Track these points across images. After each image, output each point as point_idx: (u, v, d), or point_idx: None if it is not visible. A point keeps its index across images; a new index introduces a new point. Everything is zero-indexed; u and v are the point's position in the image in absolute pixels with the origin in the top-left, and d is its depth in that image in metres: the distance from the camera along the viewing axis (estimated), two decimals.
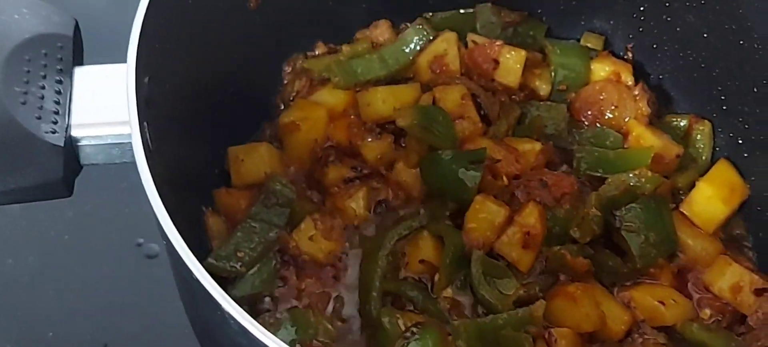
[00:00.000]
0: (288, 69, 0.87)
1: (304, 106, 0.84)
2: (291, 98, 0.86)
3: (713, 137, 0.84)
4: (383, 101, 0.82)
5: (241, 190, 0.78)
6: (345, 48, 0.87)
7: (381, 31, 0.89)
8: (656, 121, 0.85)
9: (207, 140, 0.78)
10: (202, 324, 0.67)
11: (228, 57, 0.79)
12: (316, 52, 0.89)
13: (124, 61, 0.60)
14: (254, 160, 0.80)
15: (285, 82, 0.87)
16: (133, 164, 0.58)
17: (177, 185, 0.62)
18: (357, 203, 0.79)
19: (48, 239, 0.90)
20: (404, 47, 0.86)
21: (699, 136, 0.84)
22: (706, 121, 0.84)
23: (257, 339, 0.51)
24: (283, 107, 0.86)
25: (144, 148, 0.58)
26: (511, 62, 0.85)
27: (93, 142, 0.60)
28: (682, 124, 0.85)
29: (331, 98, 0.84)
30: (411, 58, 0.86)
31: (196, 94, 0.74)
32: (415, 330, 0.69)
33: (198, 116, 0.75)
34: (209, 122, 0.77)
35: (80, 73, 0.62)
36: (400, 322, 0.71)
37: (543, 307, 0.72)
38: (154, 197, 0.55)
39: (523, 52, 0.85)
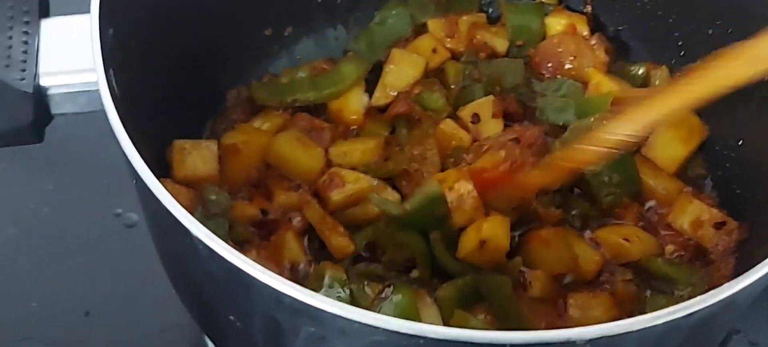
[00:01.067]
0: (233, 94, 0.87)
1: (248, 130, 0.83)
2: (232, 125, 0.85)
3: None
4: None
5: (180, 185, 0.76)
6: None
7: None
8: (615, 69, 0.88)
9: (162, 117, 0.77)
10: (174, 262, 0.68)
11: (190, 31, 0.80)
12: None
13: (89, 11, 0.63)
14: (202, 154, 0.78)
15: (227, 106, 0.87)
16: (107, 134, 0.59)
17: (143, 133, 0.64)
18: (289, 246, 0.76)
19: (28, 211, 0.92)
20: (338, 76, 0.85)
21: (657, 81, 0.86)
22: (663, 66, 0.86)
23: (227, 260, 0.52)
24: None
25: (110, 92, 0.60)
26: None
27: (61, 90, 0.62)
28: (640, 72, 0.87)
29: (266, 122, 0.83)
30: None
31: (158, 59, 0.75)
32: (388, 290, 0.71)
33: (157, 85, 0.75)
34: (165, 100, 0.76)
35: (46, 24, 0.64)
36: (368, 290, 0.72)
37: (519, 264, 0.75)
38: (122, 134, 0.57)
39: None
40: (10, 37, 0.61)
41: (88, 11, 0.62)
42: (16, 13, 0.62)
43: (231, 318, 0.59)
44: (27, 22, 0.62)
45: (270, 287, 0.51)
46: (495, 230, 0.74)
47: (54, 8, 0.67)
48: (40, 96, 0.61)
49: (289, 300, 0.51)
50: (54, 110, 0.63)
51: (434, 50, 0.89)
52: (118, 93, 0.62)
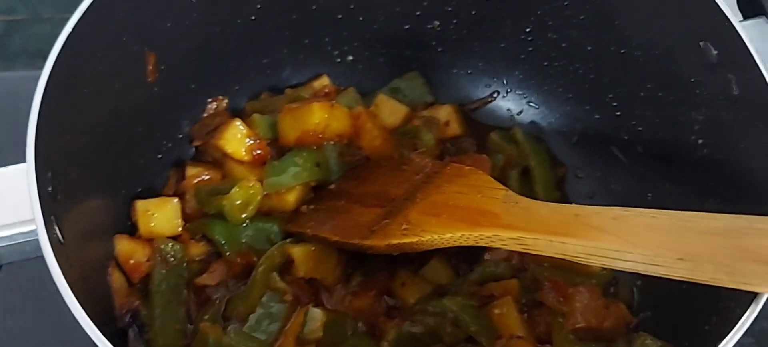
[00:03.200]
0: (212, 105, 0.91)
1: (209, 167, 0.87)
2: (207, 132, 0.88)
3: None
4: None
5: (144, 241, 0.81)
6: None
7: None
8: None
9: (120, 199, 0.82)
10: None
11: (133, 125, 0.82)
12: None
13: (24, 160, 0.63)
14: (166, 214, 0.82)
15: (204, 114, 0.90)
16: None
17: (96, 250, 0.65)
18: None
19: None
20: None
21: None
22: None
23: None
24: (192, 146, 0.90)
25: (52, 243, 0.60)
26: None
27: (5, 243, 0.63)
28: None
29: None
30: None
31: (105, 168, 0.78)
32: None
33: (110, 182, 0.80)
34: (121, 183, 0.82)
35: None
36: None
37: None
38: (68, 294, 0.58)
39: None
40: None
41: (22, 159, 0.63)
42: None
43: None
44: None
45: None
46: None
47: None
48: None
49: None
50: (1, 262, 0.63)
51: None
52: (63, 238, 0.63)
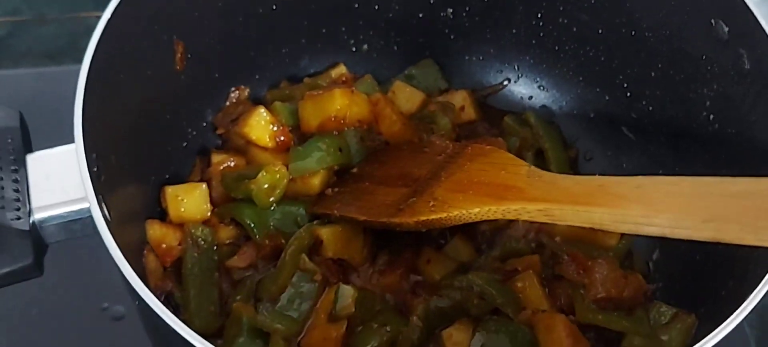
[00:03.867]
0: (235, 93, 0.93)
1: (234, 154, 0.90)
2: (230, 120, 0.91)
3: None
4: None
5: (174, 226, 0.83)
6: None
7: None
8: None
9: (150, 185, 0.85)
10: None
11: (162, 112, 0.85)
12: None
13: (70, 141, 0.65)
14: (194, 199, 0.85)
15: (227, 103, 0.93)
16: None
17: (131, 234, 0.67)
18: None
19: (16, 317, 0.93)
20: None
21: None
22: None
23: None
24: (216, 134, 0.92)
25: (105, 220, 0.62)
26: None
27: (55, 221, 0.65)
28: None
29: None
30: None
31: (138, 154, 0.80)
32: None
33: (142, 168, 0.82)
34: (151, 169, 0.84)
35: (32, 159, 0.66)
36: None
37: None
38: (124, 264, 0.60)
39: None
40: (1, 179, 0.63)
41: (68, 140, 0.65)
42: (3, 153, 0.64)
43: None
44: (14, 160, 0.65)
45: None
46: None
47: (36, 143, 0.69)
48: (36, 232, 0.63)
49: None
50: (49, 240, 0.65)
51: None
52: (110, 216, 0.65)
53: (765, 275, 0.63)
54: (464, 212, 0.76)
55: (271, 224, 0.85)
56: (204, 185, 0.86)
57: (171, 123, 0.87)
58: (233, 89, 0.93)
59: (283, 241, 0.84)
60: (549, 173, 0.76)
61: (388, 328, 0.78)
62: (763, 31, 0.71)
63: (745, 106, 0.76)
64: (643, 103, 0.90)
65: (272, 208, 0.85)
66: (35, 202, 0.64)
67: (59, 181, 0.65)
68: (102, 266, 0.90)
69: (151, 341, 0.81)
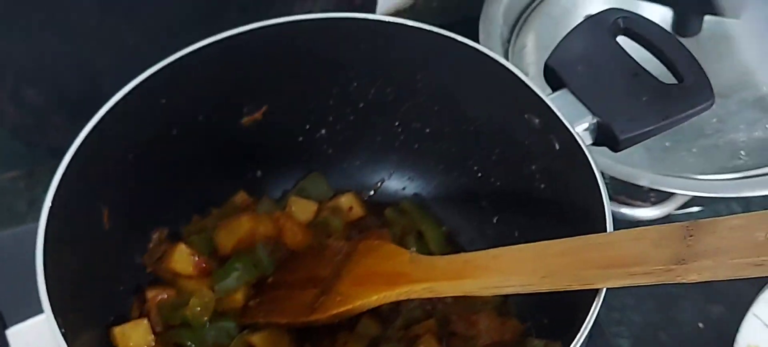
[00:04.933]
0: (156, 235, 1.08)
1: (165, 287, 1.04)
2: (156, 259, 1.06)
3: None
4: None
5: None
6: None
7: None
8: None
9: (99, 329, 0.98)
10: None
11: (100, 265, 0.99)
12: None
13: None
14: (139, 332, 0.98)
15: (151, 245, 1.08)
16: None
17: None
18: None
19: None
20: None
21: None
22: None
23: None
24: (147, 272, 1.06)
25: None
26: None
27: None
28: None
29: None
30: None
31: (86, 307, 0.93)
32: None
33: (92, 317, 0.95)
34: (99, 315, 0.98)
35: (12, 334, 0.80)
36: None
37: None
38: None
39: None
40: None
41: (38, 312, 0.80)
42: None
43: None
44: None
45: None
46: None
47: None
48: None
49: None
50: None
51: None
52: None
53: (592, 305, 0.84)
54: (366, 301, 0.94)
55: (209, 340, 1.00)
56: (145, 320, 1.00)
57: (108, 273, 1.01)
58: (153, 231, 1.09)
59: None
60: (426, 257, 0.96)
61: None
62: (561, 120, 0.94)
63: (563, 177, 0.97)
64: (492, 180, 1.11)
65: (206, 326, 1.00)
66: None
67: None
68: None
69: None
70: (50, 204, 0.87)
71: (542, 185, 1.03)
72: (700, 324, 1.23)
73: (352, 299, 0.95)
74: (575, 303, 0.92)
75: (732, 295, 1.22)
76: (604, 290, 0.82)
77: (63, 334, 0.80)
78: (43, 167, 1.39)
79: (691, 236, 0.75)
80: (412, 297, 0.93)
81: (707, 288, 1.26)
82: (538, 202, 1.04)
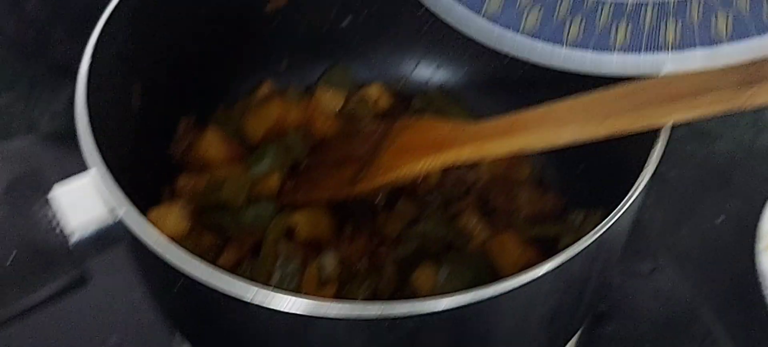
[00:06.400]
0: (183, 123, 1.05)
1: (195, 175, 1.01)
2: (184, 147, 1.04)
3: None
4: None
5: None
6: None
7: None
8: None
9: None
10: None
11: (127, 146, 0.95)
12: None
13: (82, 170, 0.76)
14: (174, 215, 0.94)
15: (179, 133, 1.04)
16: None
17: None
18: None
19: None
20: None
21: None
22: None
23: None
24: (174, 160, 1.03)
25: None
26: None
27: (88, 241, 0.75)
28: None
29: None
30: None
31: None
32: None
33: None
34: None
35: (55, 192, 0.76)
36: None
37: None
38: (167, 245, 0.71)
39: None
40: (34, 210, 0.73)
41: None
42: (30, 187, 0.74)
43: None
44: (42, 193, 0.75)
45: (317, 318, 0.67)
46: None
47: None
48: (76, 252, 0.73)
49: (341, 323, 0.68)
50: (84, 259, 0.75)
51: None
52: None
53: (653, 148, 0.82)
54: (411, 169, 0.92)
55: (246, 222, 0.97)
56: (179, 205, 0.97)
57: (135, 160, 0.97)
58: (181, 119, 1.05)
59: (260, 235, 0.96)
60: (469, 123, 0.94)
61: (368, 283, 0.93)
62: None
63: None
64: (524, 63, 1.09)
65: (243, 208, 0.97)
66: (69, 226, 0.74)
67: (84, 205, 0.75)
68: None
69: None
70: (92, 52, 0.83)
71: None
72: (720, 218, 1.24)
73: (395, 169, 0.93)
74: (625, 161, 0.91)
75: (749, 190, 1.23)
76: (668, 130, 0.80)
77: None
78: (43, 87, 1.35)
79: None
80: (460, 161, 0.91)
81: (724, 185, 1.28)
82: (573, 77, 1.03)
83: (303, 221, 0.97)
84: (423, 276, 0.93)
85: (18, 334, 0.72)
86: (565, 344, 0.91)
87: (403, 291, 0.93)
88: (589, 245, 0.73)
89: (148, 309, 0.90)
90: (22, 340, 0.96)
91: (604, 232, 0.75)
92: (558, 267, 0.69)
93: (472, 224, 0.98)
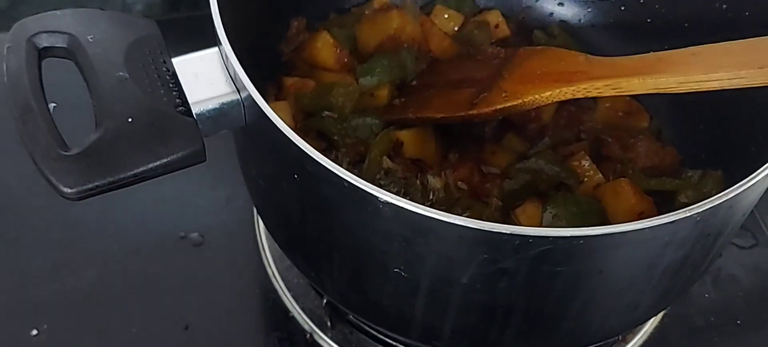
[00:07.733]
0: (295, 23, 1.01)
1: (302, 78, 0.97)
2: (294, 48, 1.00)
3: None
4: None
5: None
6: None
7: None
8: None
9: None
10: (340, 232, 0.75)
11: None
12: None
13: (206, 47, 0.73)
14: (285, 113, 0.91)
15: (289, 33, 1.00)
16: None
17: None
18: None
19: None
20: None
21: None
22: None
23: (416, 213, 0.63)
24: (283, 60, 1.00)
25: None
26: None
27: (210, 115, 0.71)
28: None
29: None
30: None
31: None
32: None
33: None
34: None
35: (178, 63, 0.72)
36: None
37: None
38: (291, 133, 0.67)
39: None
40: (158, 77, 0.70)
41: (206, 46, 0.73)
42: (153, 57, 0.71)
43: (396, 271, 0.71)
44: (164, 62, 0.71)
45: (455, 225, 0.63)
46: None
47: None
48: (199, 123, 0.70)
49: (471, 233, 0.63)
50: (209, 132, 0.72)
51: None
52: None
53: None
54: (537, 96, 0.86)
55: (351, 132, 0.93)
56: (287, 103, 0.93)
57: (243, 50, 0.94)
58: (293, 19, 1.01)
59: (364, 147, 0.92)
60: (606, 57, 0.88)
61: (469, 213, 0.88)
62: None
63: None
64: (656, 6, 1.03)
65: (349, 119, 0.93)
66: (191, 98, 0.71)
67: (207, 79, 0.72)
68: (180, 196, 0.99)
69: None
70: None
71: (724, 6, 0.95)
72: None
73: (520, 95, 0.88)
74: (761, 125, 0.85)
75: None
76: None
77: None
78: None
79: None
80: (592, 94, 0.85)
81: None
82: (715, 27, 0.96)
83: (409, 140, 0.92)
84: (527, 211, 0.89)
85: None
86: (675, 299, 0.85)
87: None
88: (738, 194, 0.67)
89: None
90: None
91: (748, 187, 0.69)
92: (712, 207, 0.64)
93: (585, 167, 0.92)
